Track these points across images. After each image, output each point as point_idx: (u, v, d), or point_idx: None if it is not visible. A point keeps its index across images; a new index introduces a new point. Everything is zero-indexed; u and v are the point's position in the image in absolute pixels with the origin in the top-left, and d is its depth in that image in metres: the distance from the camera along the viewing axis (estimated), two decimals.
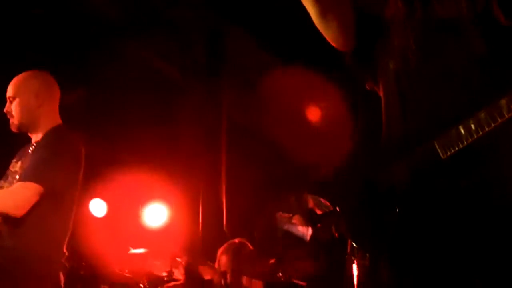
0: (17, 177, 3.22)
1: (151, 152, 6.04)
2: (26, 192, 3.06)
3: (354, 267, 4.20)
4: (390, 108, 1.94)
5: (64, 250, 3.29)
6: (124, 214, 6.58)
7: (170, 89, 6.07)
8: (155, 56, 6.03)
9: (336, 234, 4.22)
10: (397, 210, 1.80)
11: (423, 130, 1.79)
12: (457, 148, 1.72)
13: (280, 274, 4.45)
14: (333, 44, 2.05)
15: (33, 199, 3.07)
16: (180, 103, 6.09)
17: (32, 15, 5.15)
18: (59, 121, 3.43)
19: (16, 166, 3.36)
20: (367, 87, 2.07)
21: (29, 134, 3.40)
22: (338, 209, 2.05)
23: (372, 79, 2.03)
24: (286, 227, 5.29)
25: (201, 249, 5.85)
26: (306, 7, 1.99)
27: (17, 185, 3.12)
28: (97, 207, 6.62)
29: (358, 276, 4.07)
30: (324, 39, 2.05)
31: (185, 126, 6.08)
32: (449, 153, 1.73)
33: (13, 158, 3.47)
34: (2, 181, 3.35)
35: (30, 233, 3.12)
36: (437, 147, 1.75)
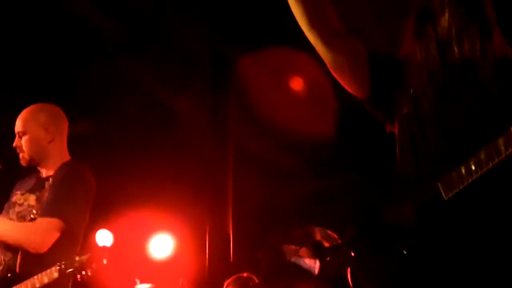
0: (34, 211, 3.22)
1: (156, 182, 6.00)
2: (50, 228, 3.10)
3: None
4: (403, 151, 1.98)
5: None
6: (130, 245, 6.53)
7: (174, 118, 6.05)
8: (158, 84, 6.03)
9: (345, 269, 4.15)
10: (405, 250, 1.83)
11: (431, 172, 1.82)
12: (458, 189, 1.74)
13: None
14: (350, 91, 2.08)
15: (56, 236, 3.11)
16: (185, 133, 6.07)
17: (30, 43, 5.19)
18: (68, 155, 3.45)
19: (24, 198, 3.35)
20: (387, 130, 2.11)
21: (39, 168, 3.40)
22: (352, 253, 2.06)
23: (390, 122, 2.08)
24: (293, 259, 5.22)
25: (208, 281, 5.79)
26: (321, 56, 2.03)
27: (42, 221, 3.14)
28: (104, 238, 6.58)
29: None
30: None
31: (191, 156, 6.05)
32: (451, 194, 1.75)
33: (13, 189, 3.47)
34: (9, 212, 3.32)
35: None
36: (440, 188, 1.78)
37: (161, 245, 6.36)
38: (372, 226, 1.94)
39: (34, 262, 3.12)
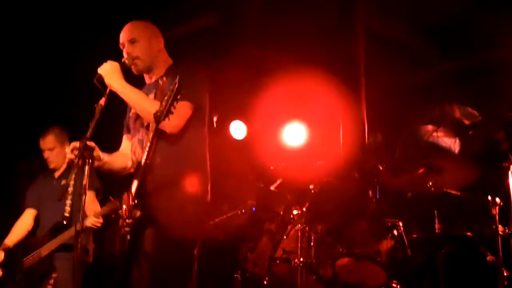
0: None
1: (287, 71, 6.06)
2: (183, 109, 3.24)
3: (510, 175, 4.07)
4: None
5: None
6: (264, 134, 6.72)
7: (303, 5, 5.97)
8: None
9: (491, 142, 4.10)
10: None
11: None
12: None
13: (430, 184, 4.38)
14: None
15: (189, 114, 3.30)
16: (315, 21, 6.00)
17: None
18: (171, 60, 3.58)
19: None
20: None
21: (146, 75, 3.55)
22: None
23: None
24: (431, 139, 5.16)
25: (343, 165, 5.86)
26: None
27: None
28: (237, 129, 6.80)
29: None
30: None
31: (322, 43, 6.01)
32: None
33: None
34: (140, 133, 3.49)
35: (183, 154, 3.32)
36: None
37: (295, 133, 6.50)
38: None
39: (170, 148, 3.29)
